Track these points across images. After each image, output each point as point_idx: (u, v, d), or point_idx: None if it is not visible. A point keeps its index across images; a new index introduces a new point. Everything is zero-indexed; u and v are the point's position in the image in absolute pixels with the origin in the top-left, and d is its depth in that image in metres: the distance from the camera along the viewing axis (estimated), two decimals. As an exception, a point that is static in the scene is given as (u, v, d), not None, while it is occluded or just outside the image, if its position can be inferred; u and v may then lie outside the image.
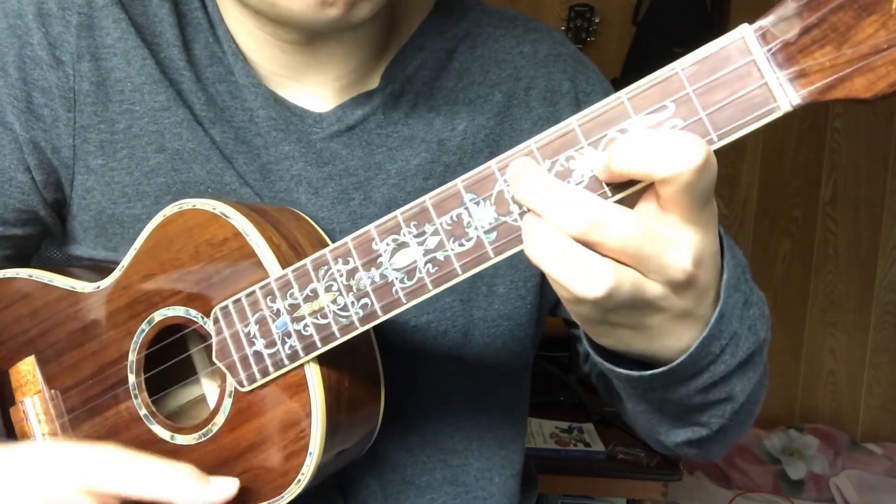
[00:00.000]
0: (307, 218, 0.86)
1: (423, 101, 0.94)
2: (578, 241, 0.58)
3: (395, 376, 0.86)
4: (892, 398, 3.29)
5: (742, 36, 0.56)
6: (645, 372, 0.70)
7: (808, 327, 3.31)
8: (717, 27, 2.96)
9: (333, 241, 0.84)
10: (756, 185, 3.25)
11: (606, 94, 1.00)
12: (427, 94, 0.94)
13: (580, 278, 0.58)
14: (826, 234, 3.28)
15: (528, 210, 0.60)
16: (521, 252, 0.97)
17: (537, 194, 0.59)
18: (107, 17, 0.88)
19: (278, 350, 0.75)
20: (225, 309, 0.77)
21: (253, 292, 0.75)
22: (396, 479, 0.97)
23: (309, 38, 0.88)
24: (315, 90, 0.92)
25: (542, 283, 0.98)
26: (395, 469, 0.97)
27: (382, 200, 0.92)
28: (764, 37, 0.55)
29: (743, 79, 0.56)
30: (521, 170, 0.61)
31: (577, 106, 0.98)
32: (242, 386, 0.78)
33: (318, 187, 0.91)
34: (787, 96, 0.55)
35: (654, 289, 0.61)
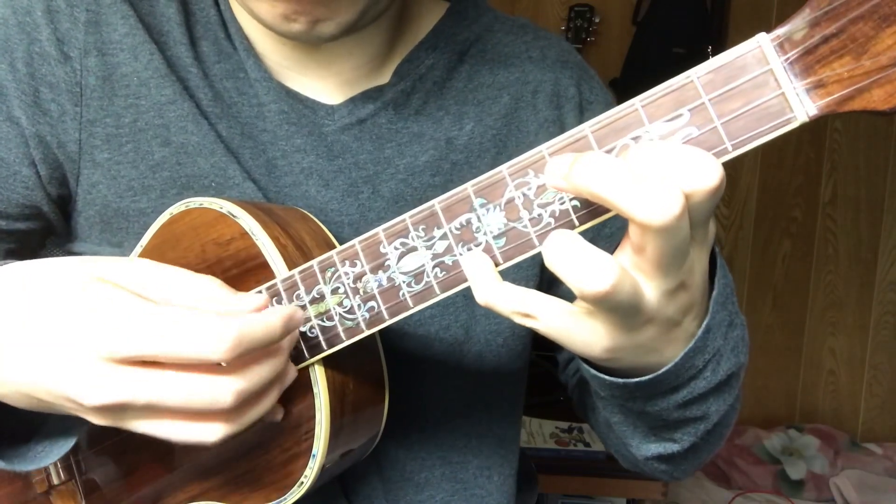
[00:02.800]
0: (314, 218, 0.86)
1: (433, 100, 0.95)
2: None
3: (396, 371, 0.86)
4: (892, 398, 3.30)
5: (759, 45, 0.55)
6: (630, 380, 0.70)
7: (808, 327, 3.31)
8: (717, 27, 2.96)
9: (341, 234, 0.84)
10: (756, 185, 3.25)
11: (608, 106, 1.02)
12: (437, 93, 0.96)
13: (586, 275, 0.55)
14: (826, 234, 3.28)
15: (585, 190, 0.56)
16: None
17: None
18: (115, 13, 0.89)
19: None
20: None
21: (259, 293, 0.75)
22: (396, 476, 0.97)
23: None
24: (323, 83, 0.93)
25: (541, 284, 0.99)
26: (394, 465, 0.97)
27: (390, 195, 0.93)
28: (781, 46, 0.54)
29: (759, 88, 0.55)
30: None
31: (581, 112, 1.00)
32: None
33: (329, 179, 0.92)
34: (803, 107, 0.54)
35: (649, 292, 0.60)
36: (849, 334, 3.30)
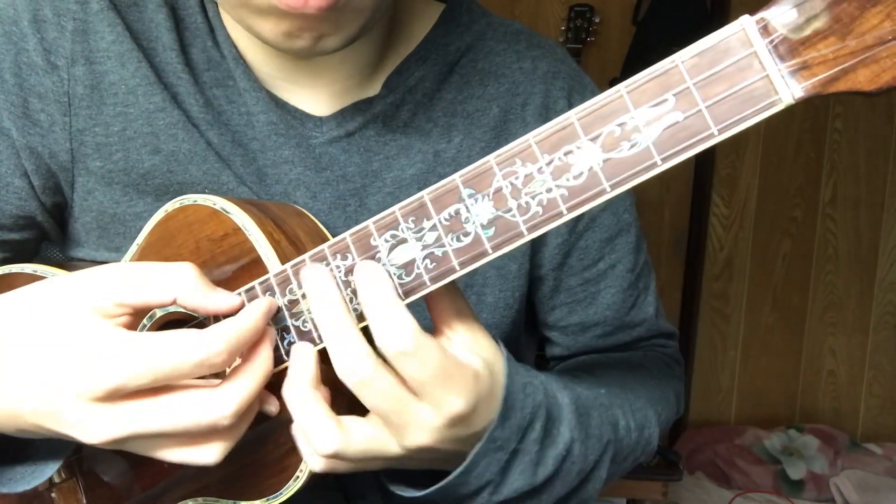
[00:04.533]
0: (309, 214, 0.86)
1: (422, 112, 0.94)
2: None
3: None
4: (892, 398, 3.30)
5: (743, 27, 0.55)
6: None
7: (808, 327, 3.31)
8: (717, 27, 2.95)
9: None
10: (756, 185, 3.25)
11: None
12: (427, 105, 0.94)
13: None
14: (826, 234, 3.28)
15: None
16: (511, 261, 0.97)
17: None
18: (101, 21, 0.88)
19: (278, 346, 0.74)
20: None
21: (252, 288, 0.75)
22: (392, 475, 0.97)
23: None
24: (313, 94, 0.92)
25: (529, 294, 1.01)
26: None
27: (377, 208, 0.92)
28: (765, 28, 0.54)
29: (744, 71, 0.55)
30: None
31: None
32: None
33: (316, 192, 0.91)
34: (789, 89, 0.54)
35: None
36: (849, 334, 3.31)
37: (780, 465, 3.01)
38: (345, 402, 0.72)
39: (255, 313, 0.68)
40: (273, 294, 0.74)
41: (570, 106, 0.98)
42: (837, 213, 3.28)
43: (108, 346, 0.63)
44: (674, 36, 2.94)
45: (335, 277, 0.70)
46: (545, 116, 0.98)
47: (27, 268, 0.89)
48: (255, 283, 0.75)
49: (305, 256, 0.72)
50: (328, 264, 0.71)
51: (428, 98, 0.95)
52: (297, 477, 0.77)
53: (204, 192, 0.88)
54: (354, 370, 0.66)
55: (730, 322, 3.31)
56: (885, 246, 3.27)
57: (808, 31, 0.53)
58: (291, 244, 0.78)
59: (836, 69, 0.53)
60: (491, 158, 0.63)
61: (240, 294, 0.74)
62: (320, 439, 0.68)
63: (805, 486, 2.96)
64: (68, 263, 0.94)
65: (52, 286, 0.68)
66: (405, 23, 0.96)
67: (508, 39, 1.00)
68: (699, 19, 3.01)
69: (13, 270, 0.90)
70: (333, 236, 0.86)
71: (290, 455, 0.77)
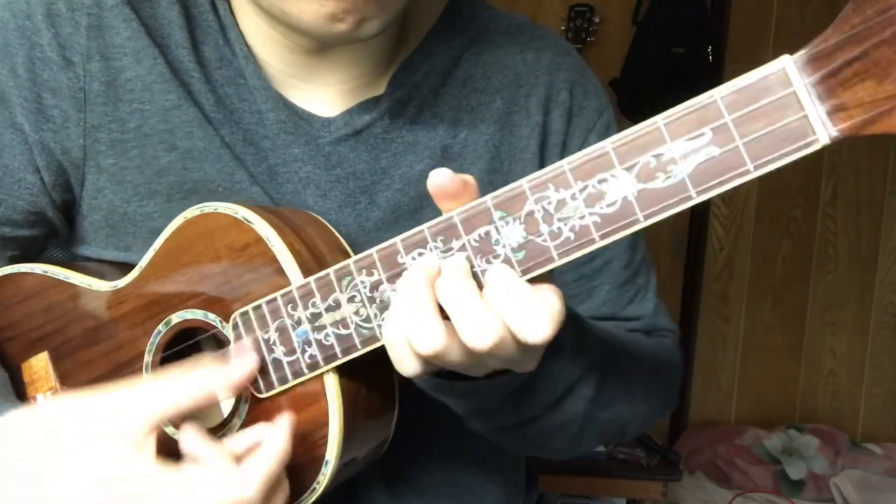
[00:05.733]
0: (326, 223, 0.86)
1: (427, 108, 0.95)
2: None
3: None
4: (892, 398, 3.30)
5: (783, 67, 0.55)
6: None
7: (808, 327, 3.31)
8: (717, 27, 2.96)
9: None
10: (756, 185, 3.25)
11: (600, 111, 1.02)
12: (432, 100, 0.95)
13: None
14: (826, 234, 3.28)
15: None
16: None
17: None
18: (116, 17, 0.88)
19: (298, 359, 0.75)
20: (245, 315, 0.77)
21: (274, 299, 0.75)
22: (398, 480, 0.97)
23: (318, 44, 0.89)
24: (323, 93, 0.93)
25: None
26: (397, 470, 0.97)
27: (387, 204, 0.93)
28: (805, 68, 0.55)
29: (782, 110, 0.55)
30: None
31: (569, 118, 0.99)
32: (260, 392, 0.78)
33: (326, 190, 0.92)
34: (826, 130, 0.54)
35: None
36: (849, 334, 3.31)
37: (780, 465, 3.01)
38: None
39: (280, 444, 0.71)
40: (295, 307, 0.74)
41: (572, 99, 0.99)
42: (837, 213, 3.28)
43: (143, 482, 0.65)
44: (674, 36, 2.94)
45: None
46: (546, 107, 0.98)
47: (37, 268, 0.90)
48: (277, 294, 0.75)
49: (330, 271, 0.72)
50: (353, 280, 0.71)
51: (433, 94, 0.95)
52: (314, 489, 0.78)
53: (218, 190, 0.89)
54: (431, 340, 0.64)
55: (730, 322, 3.30)
56: (885, 246, 3.27)
57: (847, 73, 0.53)
58: (312, 255, 0.78)
59: (873, 112, 0.53)
60: (524, 182, 0.63)
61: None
62: (425, 336, 0.64)
63: (805, 486, 2.96)
64: (75, 263, 0.95)
65: (81, 413, 0.69)
66: (411, 22, 0.96)
67: (512, 31, 1.00)
68: (699, 19, 3.00)
69: (22, 270, 0.91)
70: (343, 234, 0.86)
71: (308, 466, 0.77)
